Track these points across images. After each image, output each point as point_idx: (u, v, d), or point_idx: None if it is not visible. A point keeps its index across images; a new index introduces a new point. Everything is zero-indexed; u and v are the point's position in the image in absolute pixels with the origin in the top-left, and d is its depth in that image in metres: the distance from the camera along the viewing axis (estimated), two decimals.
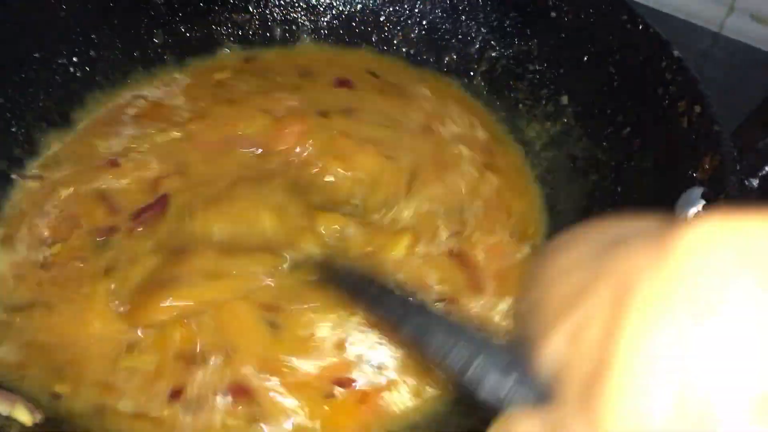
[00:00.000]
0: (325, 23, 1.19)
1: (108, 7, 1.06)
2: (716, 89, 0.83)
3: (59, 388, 0.75)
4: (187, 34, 1.13)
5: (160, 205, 0.90)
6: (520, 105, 1.09)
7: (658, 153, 0.87)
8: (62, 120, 1.01)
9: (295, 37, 1.19)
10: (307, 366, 0.78)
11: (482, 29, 1.13)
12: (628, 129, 0.93)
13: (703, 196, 0.76)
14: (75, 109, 1.03)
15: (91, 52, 1.05)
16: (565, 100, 1.04)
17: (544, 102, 1.06)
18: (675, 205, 0.79)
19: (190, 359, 0.77)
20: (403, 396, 0.78)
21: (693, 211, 0.76)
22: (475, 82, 1.14)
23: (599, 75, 0.98)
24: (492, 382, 0.35)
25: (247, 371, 0.76)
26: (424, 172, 0.98)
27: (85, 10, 1.04)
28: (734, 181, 0.73)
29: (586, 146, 0.99)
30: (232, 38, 1.16)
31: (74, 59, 1.03)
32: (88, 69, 1.05)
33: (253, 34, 1.17)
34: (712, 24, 1.48)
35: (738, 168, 0.74)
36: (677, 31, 1.46)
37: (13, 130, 0.97)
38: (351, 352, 0.79)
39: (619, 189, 0.92)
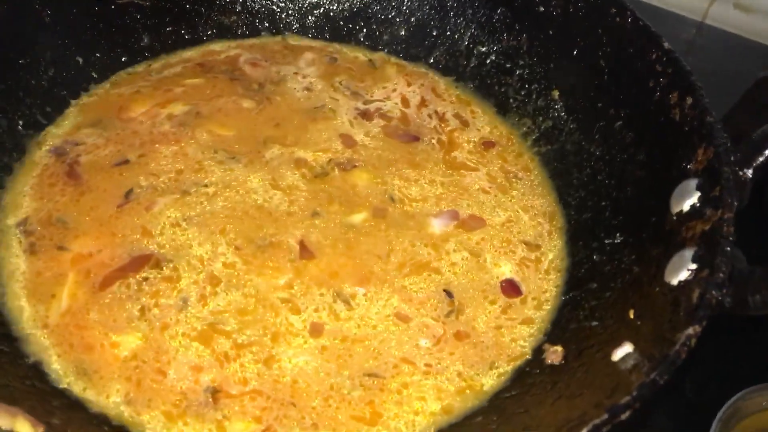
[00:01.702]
0: (312, 22, 1.18)
1: (93, 12, 1.05)
2: (701, 78, 0.83)
3: None
4: (174, 36, 1.12)
5: None
6: (511, 100, 1.09)
7: (651, 145, 0.87)
8: (48, 124, 1.00)
9: (282, 36, 1.18)
10: None
11: (471, 25, 1.13)
12: (620, 122, 0.93)
13: (698, 188, 0.76)
14: (63, 113, 1.02)
15: (78, 58, 1.04)
16: (555, 94, 1.04)
17: (534, 97, 1.07)
18: (670, 197, 0.80)
19: None
20: None
21: (688, 203, 0.77)
22: (464, 79, 1.14)
23: (589, 69, 0.98)
24: None
25: None
26: None
27: (71, 15, 1.03)
28: (729, 173, 0.73)
29: (579, 140, 1.00)
30: (218, 37, 1.16)
31: (61, 65, 1.02)
32: (74, 73, 1.04)
33: (241, 34, 1.16)
34: (695, 14, 1.49)
35: (732, 159, 0.75)
36: (660, 21, 1.46)
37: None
38: None
39: (612, 182, 0.92)
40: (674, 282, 0.71)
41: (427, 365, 0.80)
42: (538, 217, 0.97)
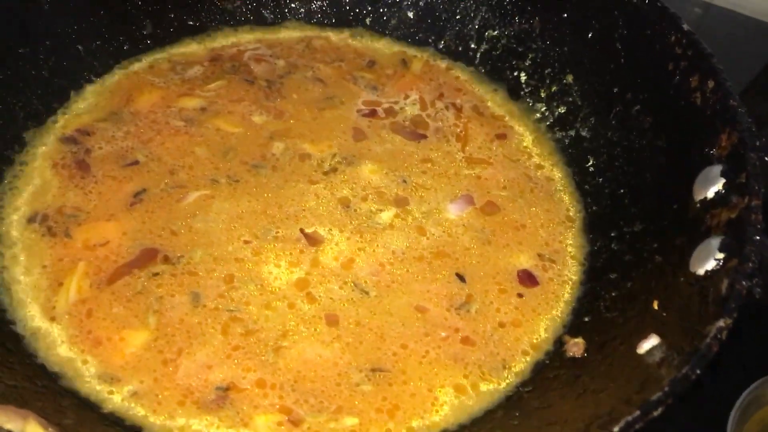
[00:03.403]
0: (317, 7, 1.15)
1: None
2: None
3: None
4: (176, 23, 1.09)
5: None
6: (524, 86, 1.07)
7: (671, 131, 0.85)
8: (49, 115, 0.97)
9: (284, 20, 1.15)
10: None
11: (481, 8, 1.10)
12: (638, 107, 0.90)
13: (723, 175, 0.74)
14: (62, 105, 0.99)
15: (78, 46, 1.01)
16: (570, 79, 1.01)
17: (548, 82, 1.04)
18: (692, 184, 0.77)
19: None
20: None
21: (713, 190, 0.74)
22: (475, 64, 1.11)
23: (605, 52, 0.95)
24: None
25: None
26: None
27: (70, 1, 0.99)
28: (755, 158, 0.70)
29: (595, 126, 0.97)
30: (221, 24, 1.13)
31: (61, 53, 0.99)
32: (75, 62, 1.01)
33: (245, 21, 1.14)
34: None
35: (758, 144, 0.72)
36: (665, 1, 1.44)
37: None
38: None
39: (631, 169, 0.90)
40: (701, 272, 0.69)
41: (439, 358, 0.78)
42: (553, 216, 0.94)
